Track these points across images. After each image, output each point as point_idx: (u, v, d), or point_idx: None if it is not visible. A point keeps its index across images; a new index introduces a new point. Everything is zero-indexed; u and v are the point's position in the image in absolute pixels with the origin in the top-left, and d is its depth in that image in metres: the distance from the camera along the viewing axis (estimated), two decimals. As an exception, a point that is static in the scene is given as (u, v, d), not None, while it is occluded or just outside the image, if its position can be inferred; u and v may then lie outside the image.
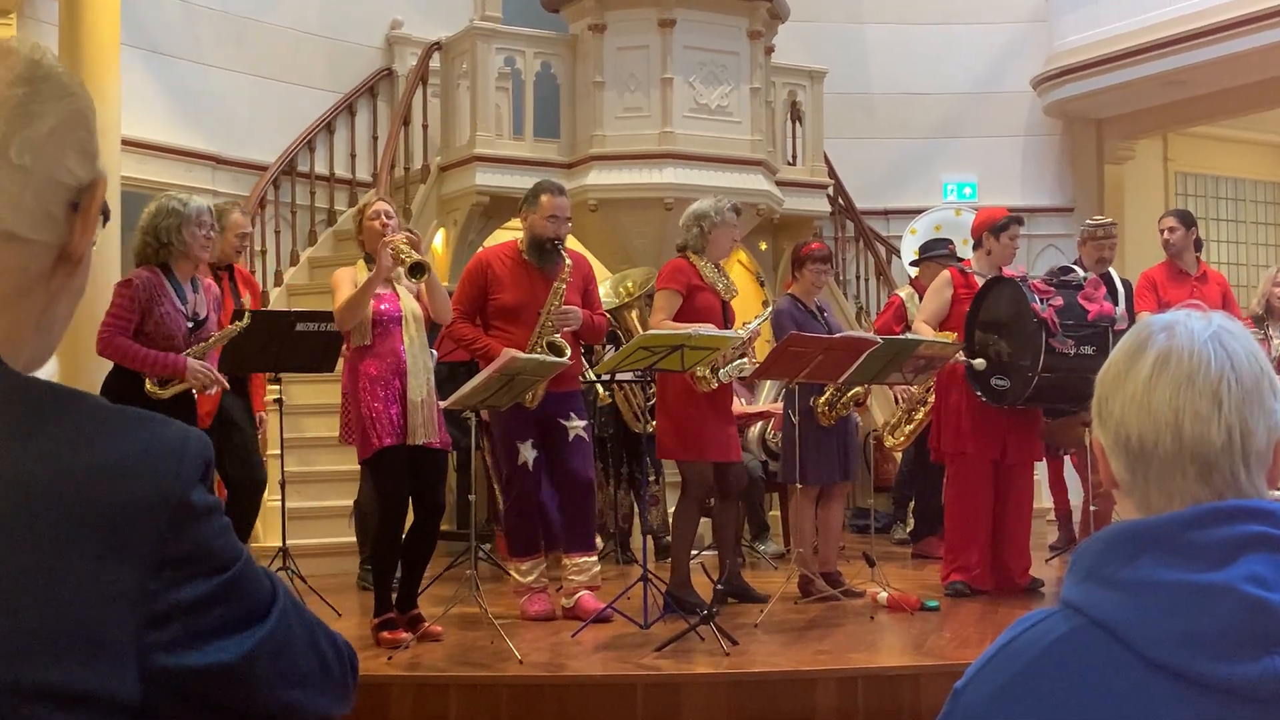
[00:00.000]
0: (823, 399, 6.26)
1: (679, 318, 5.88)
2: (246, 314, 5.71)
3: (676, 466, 6.25)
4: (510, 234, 9.01)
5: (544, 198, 5.86)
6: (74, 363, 6.27)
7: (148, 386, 5.15)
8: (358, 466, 6.29)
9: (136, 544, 0.99)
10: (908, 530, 9.01)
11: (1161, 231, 7.64)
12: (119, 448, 1.02)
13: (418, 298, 5.43)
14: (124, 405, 1.07)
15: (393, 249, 5.19)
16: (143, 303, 5.04)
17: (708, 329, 5.55)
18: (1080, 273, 6.62)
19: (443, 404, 5.36)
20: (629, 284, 8.03)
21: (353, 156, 9.96)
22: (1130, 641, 1.23)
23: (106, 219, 1.11)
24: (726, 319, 6.03)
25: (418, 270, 5.19)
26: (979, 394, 6.32)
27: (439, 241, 9.69)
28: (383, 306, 5.33)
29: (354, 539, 7.37)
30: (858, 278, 10.96)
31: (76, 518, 0.98)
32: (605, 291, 7.81)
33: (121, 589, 0.98)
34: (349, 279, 5.39)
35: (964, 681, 1.35)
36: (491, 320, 5.86)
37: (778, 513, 8.69)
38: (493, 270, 5.87)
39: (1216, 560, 1.23)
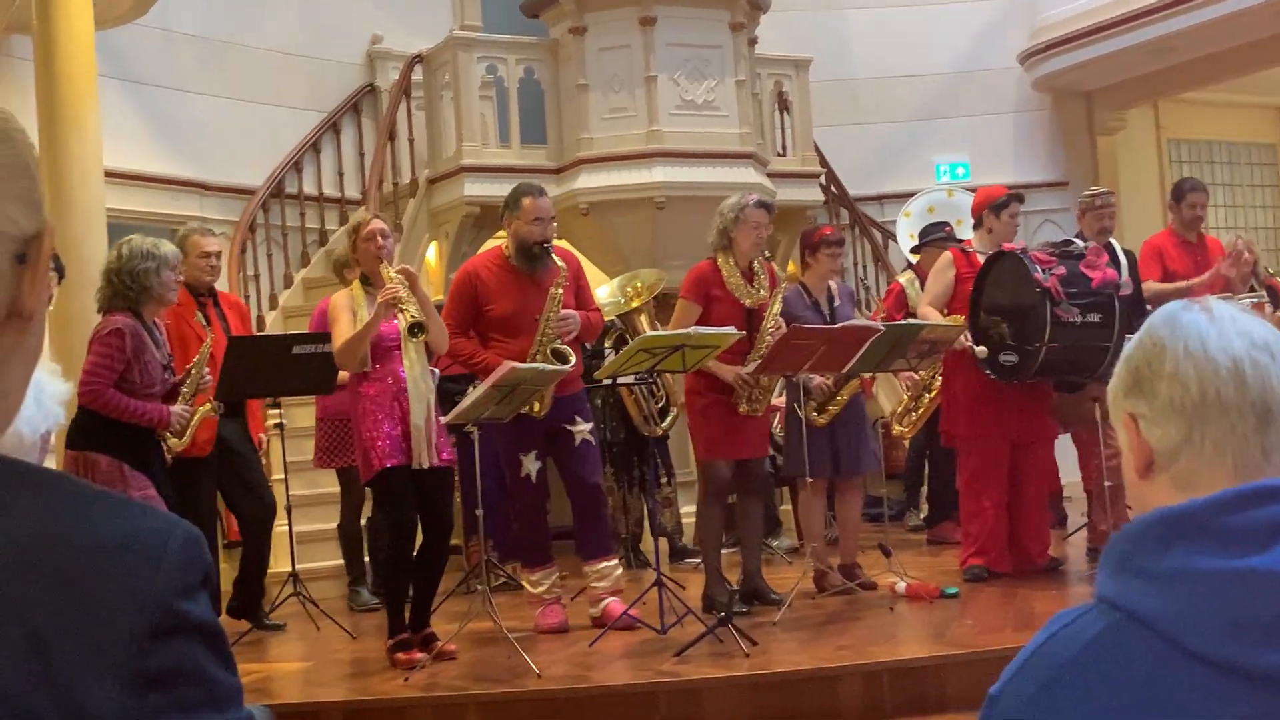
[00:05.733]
0: (810, 404, 6.16)
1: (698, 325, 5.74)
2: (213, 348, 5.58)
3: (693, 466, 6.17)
4: (499, 243, 8.95)
5: (525, 201, 5.73)
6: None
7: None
8: (363, 489, 6.25)
9: (113, 652, 0.87)
10: (921, 517, 8.94)
11: (1193, 206, 7.52)
12: (97, 534, 0.91)
13: None
14: (97, 485, 0.97)
15: (393, 300, 5.10)
16: (131, 351, 4.93)
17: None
18: (1081, 244, 6.55)
19: (443, 419, 5.28)
20: (637, 283, 7.90)
21: (340, 175, 9.89)
22: (1172, 635, 1.18)
23: (61, 275, 1.04)
24: (753, 326, 5.82)
25: (416, 330, 5.11)
26: (988, 372, 6.24)
27: (431, 255, 9.62)
28: (382, 328, 5.25)
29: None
30: (855, 265, 10.88)
31: (53, 610, 0.87)
32: (611, 292, 7.72)
33: (102, 710, 0.86)
34: (346, 308, 5.30)
35: (999, 686, 1.29)
36: (487, 332, 5.75)
37: (789, 507, 8.62)
38: (481, 280, 5.76)
39: (1257, 544, 1.18)
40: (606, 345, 7.66)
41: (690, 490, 9.07)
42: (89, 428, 4.94)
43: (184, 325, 6.14)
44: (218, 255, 6.68)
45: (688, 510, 8.89)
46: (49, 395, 1.97)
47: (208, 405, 5.34)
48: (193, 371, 5.42)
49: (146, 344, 4.97)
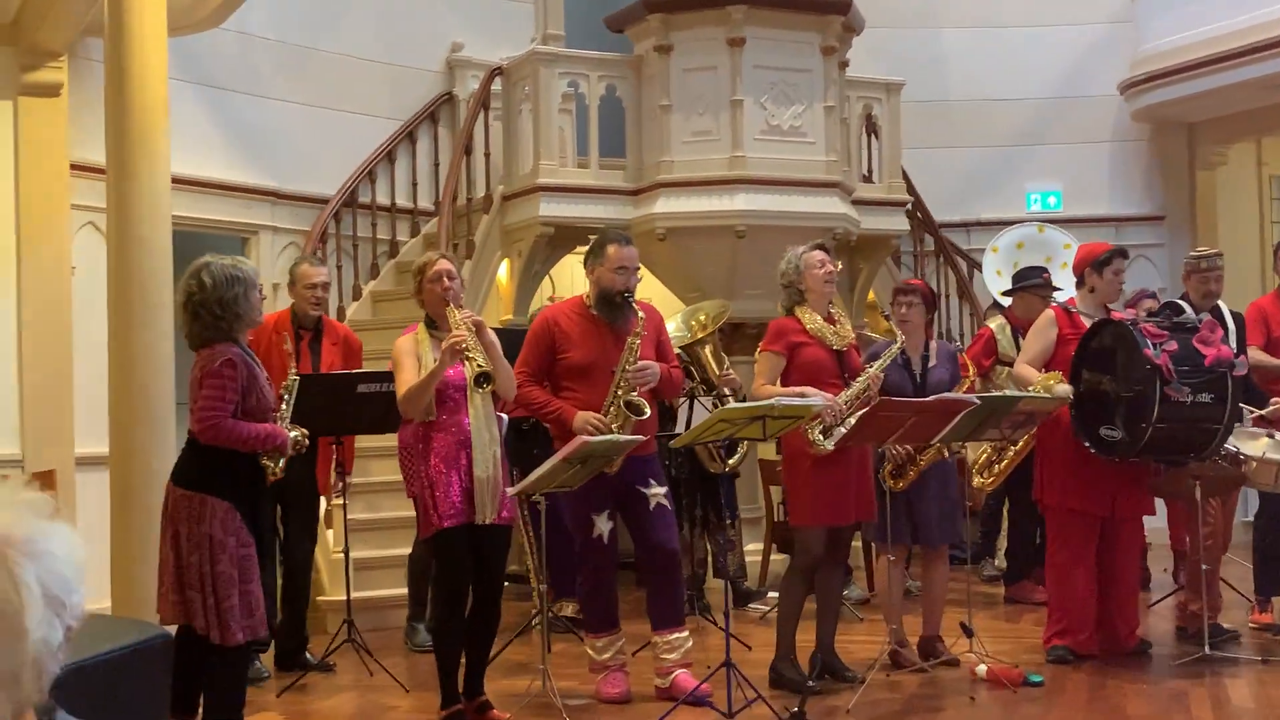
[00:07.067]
0: (886, 468, 5.88)
1: (786, 377, 5.55)
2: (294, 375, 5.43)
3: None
4: (575, 260, 8.69)
5: (610, 248, 5.54)
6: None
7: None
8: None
9: None
10: (996, 564, 8.60)
11: None
12: None
13: None
14: None
15: (458, 347, 4.88)
16: (244, 382, 4.62)
17: (806, 395, 5.22)
18: (1191, 313, 6.16)
19: (510, 491, 5.03)
20: (701, 316, 7.62)
21: (414, 185, 9.68)
22: None
23: None
24: (844, 368, 5.63)
25: (483, 380, 4.89)
26: (1087, 444, 5.88)
27: (503, 273, 9.39)
28: (448, 374, 5.02)
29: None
30: (937, 295, 10.50)
31: None
32: (676, 325, 7.43)
33: None
34: (411, 353, 5.08)
35: None
36: (561, 380, 5.53)
37: (857, 543, 8.27)
38: (560, 328, 5.55)
39: None
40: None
41: (754, 528, 8.79)
42: (206, 468, 4.60)
43: (273, 354, 5.96)
44: (324, 287, 6.57)
45: (752, 548, 8.61)
46: (62, 582, 1.71)
47: (298, 433, 5.06)
48: (285, 398, 5.23)
49: (256, 372, 4.72)
